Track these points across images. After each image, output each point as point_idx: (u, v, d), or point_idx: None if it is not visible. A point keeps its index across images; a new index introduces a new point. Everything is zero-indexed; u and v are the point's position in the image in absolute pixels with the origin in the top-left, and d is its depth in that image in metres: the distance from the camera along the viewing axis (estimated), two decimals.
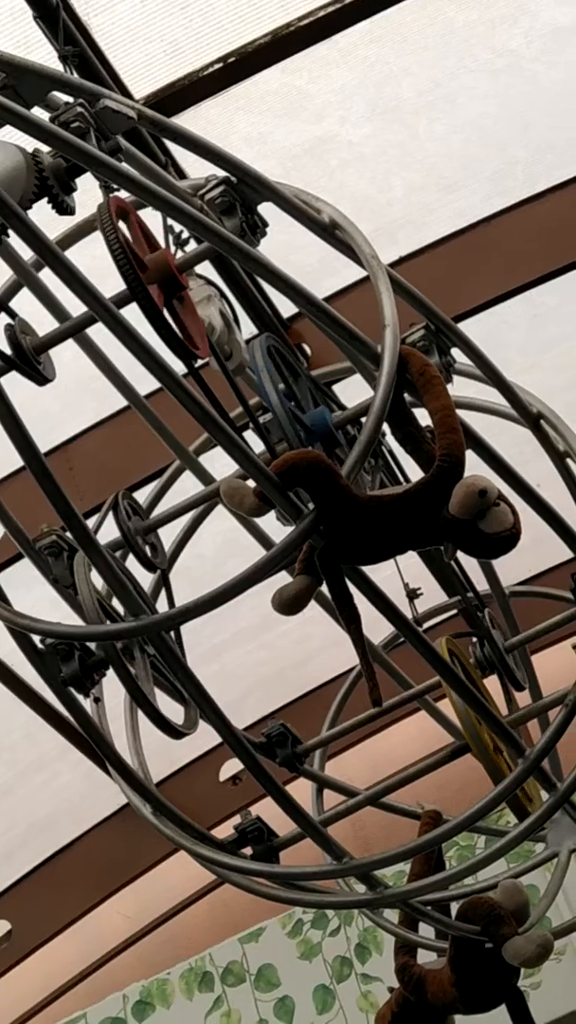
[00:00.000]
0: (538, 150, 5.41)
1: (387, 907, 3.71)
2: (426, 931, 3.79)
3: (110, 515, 3.03)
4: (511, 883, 3.66)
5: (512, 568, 5.11)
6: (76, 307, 2.54)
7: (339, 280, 5.21)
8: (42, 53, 3.82)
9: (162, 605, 3.21)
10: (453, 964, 3.61)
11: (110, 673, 2.85)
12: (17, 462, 2.40)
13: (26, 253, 2.60)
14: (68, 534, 2.85)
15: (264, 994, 7.02)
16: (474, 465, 2.69)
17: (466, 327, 3.17)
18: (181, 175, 3.61)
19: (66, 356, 2.74)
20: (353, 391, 3.11)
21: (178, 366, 2.54)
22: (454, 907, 3.69)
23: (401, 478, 3.16)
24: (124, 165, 2.53)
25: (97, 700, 3.01)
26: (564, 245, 5.49)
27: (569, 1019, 6.72)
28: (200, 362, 2.66)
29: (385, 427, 2.73)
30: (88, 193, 2.55)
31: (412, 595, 3.61)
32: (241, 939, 7.12)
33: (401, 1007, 3.75)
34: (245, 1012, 7.00)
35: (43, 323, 2.69)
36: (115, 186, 2.50)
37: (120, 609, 2.85)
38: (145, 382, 2.83)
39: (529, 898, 3.66)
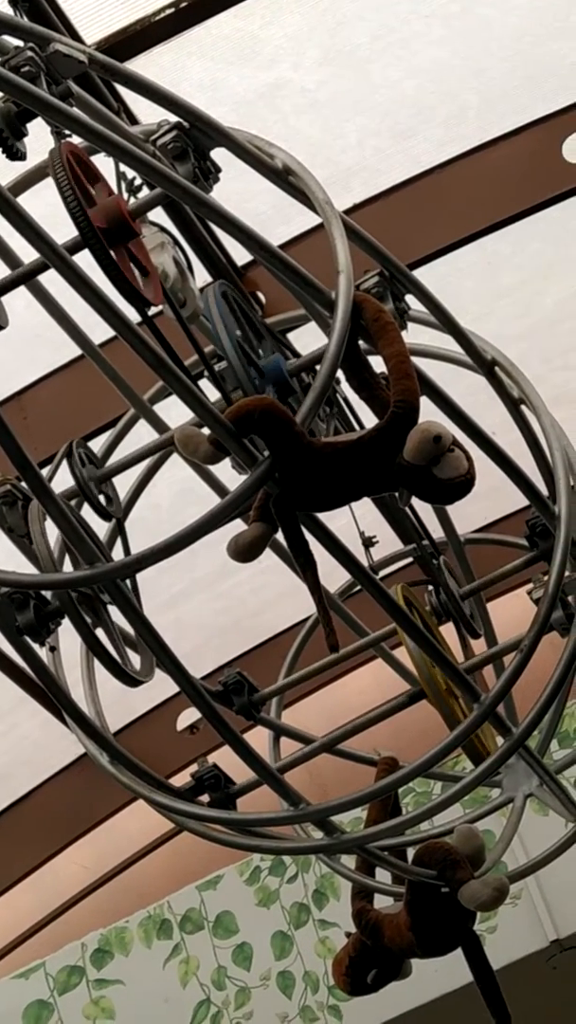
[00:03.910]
0: (490, 96, 5.40)
1: (343, 852, 3.72)
2: (383, 876, 3.81)
3: (64, 464, 3.02)
4: (467, 828, 3.68)
5: (468, 516, 5.13)
6: (28, 254, 2.52)
7: (293, 227, 5.20)
8: None
9: (118, 554, 3.21)
10: (409, 908, 3.64)
11: (66, 622, 2.85)
12: None
13: None
14: (22, 483, 2.84)
15: (222, 941, 7.07)
16: (429, 412, 2.69)
17: (420, 275, 3.16)
18: (133, 121, 3.58)
19: (19, 304, 2.73)
20: (308, 339, 3.11)
21: (132, 314, 2.52)
22: (411, 852, 3.72)
23: (356, 425, 3.15)
24: (75, 110, 2.50)
25: (53, 649, 3.01)
26: (517, 192, 5.49)
27: (525, 963, 6.79)
28: (154, 310, 2.65)
29: (340, 374, 2.73)
30: (41, 139, 2.53)
31: (368, 543, 3.61)
32: (199, 887, 7.16)
33: (358, 952, 3.77)
34: (203, 959, 7.05)
35: None
36: (67, 132, 2.48)
37: None
38: (99, 330, 2.81)
39: (485, 843, 3.68)
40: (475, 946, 3.69)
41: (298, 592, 2.80)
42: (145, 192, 2.74)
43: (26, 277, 2.59)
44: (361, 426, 3.07)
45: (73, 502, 3.04)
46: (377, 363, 2.74)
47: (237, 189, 3.16)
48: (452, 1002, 6.52)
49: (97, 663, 2.94)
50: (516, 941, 6.78)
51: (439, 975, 5.99)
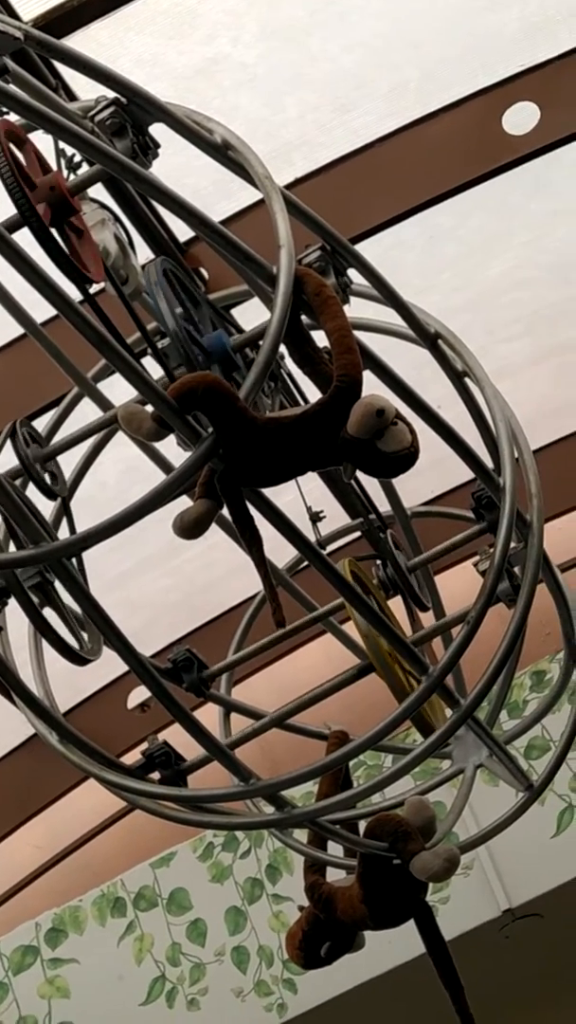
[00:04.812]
0: (430, 69, 5.39)
1: (295, 827, 3.73)
2: (335, 849, 3.82)
3: (8, 444, 3.01)
4: (417, 799, 3.69)
5: (414, 489, 5.13)
6: None
7: (234, 203, 5.18)
8: None
9: (64, 534, 3.20)
10: (362, 881, 3.65)
11: (13, 603, 2.83)
12: None
13: None
14: None
15: (176, 917, 7.08)
16: (373, 386, 2.69)
17: (362, 248, 3.16)
18: (72, 97, 3.55)
19: None
20: (252, 314, 3.10)
21: (74, 292, 2.51)
22: (363, 826, 3.73)
23: (301, 400, 3.15)
24: (12, 87, 2.48)
25: (0, 629, 3.00)
26: (458, 165, 5.49)
27: (477, 932, 6.84)
28: (96, 287, 2.64)
29: (283, 349, 2.73)
30: None
31: (315, 518, 3.61)
32: (152, 864, 7.17)
33: (311, 925, 3.78)
34: (158, 936, 7.06)
35: None
36: (4, 109, 2.46)
37: None
38: (41, 309, 2.79)
39: (436, 814, 3.70)
40: (427, 917, 3.71)
41: (247, 568, 2.80)
42: (85, 169, 2.72)
43: None
44: (305, 401, 3.07)
45: (18, 481, 3.03)
46: (320, 338, 2.74)
47: (178, 164, 3.15)
48: (406, 973, 6.56)
49: (45, 643, 2.93)
50: (468, 911, 6.82)
51: (392, 947, 6.01)
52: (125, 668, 2.95)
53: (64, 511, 3.21)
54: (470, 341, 3.42)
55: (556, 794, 6.88)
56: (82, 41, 4.75)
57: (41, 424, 3.27)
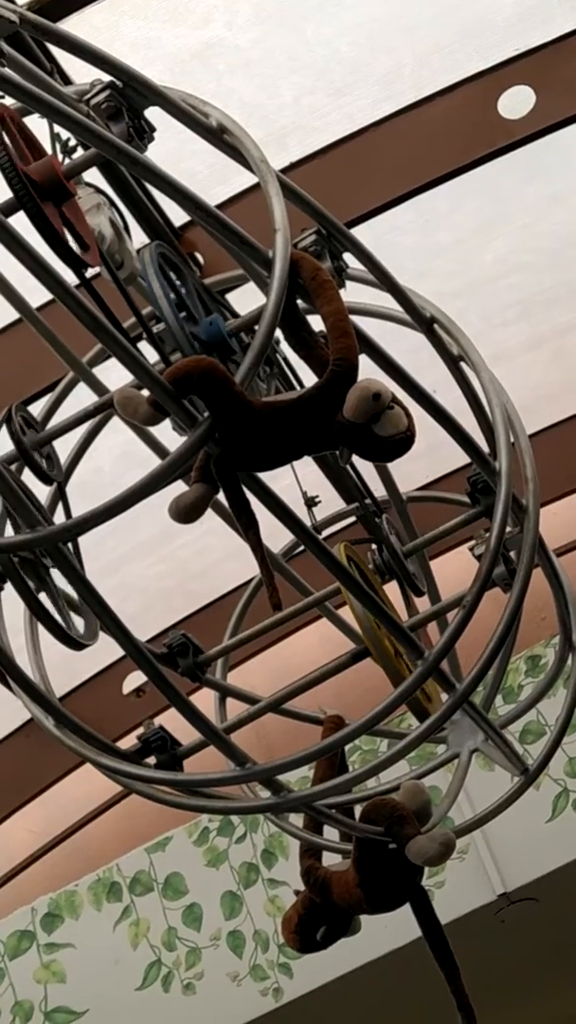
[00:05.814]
0: (425, 53, 5.38)
1: (291, 811, 3.73)
2: (331, 834, 3.83)
3: (3, 429, 3.00)
4: (413, 784, 3.70)
5: (410, 474, 5.14)
6: None
7: (230, 188, 5.17)
8: None
9: (60, 518, 3.20)
10: (357, 865, 3.65)
11: (8, 588, 2.83)
12: None
13: None
14: None
15: (172, 902, 7.09)
16: (369, 371, 2.69)
17: (358, 233, 3.16)
18: (67, 81, 3.54)
19: None
20: (248, 299, 3.10)
21: (69, 276, 2.51)
22: (358, 810, 3.73)
23: (297, 385, 3.15)
24: (7, 70, 2.48)
25: None
26: (453, 149, 5.48)
27: (473, 916, 6.85)
28: (91, 272, 2.63)
29: (279, 333, 2.72)
30: None
31: (310, 503, 3.62)
32: (148, 849, 7.17)
33: (307, 909, 3.78)
34: (154, 921, 7.07)
35: None
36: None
37: None
38: (36, 294, 2.79)
39: (431, 798, 3.70)
40: (423, 901, 3.71)
41: (242, 554, 2.80)
42: (80, 153, 2.72)
43: None
44: (301, 385, 3.07)
45: (13, 466, 3.02)
46: (316, 322, 2.74)
47: (173, 149, 3.14)
48: (402, 957, 6.57)
49: (41, 628, 2.93)
50: (464, 895, 6.83)
51: (388, 931, 6.03)
52: (121, 653, 2.96)
53: (60, 496, 3.21)
54: (466, 326, 3.42)
55: (551, 778, 6.89)
56: (77, 25, 4.74)
57: (37, 409, 3.27)
